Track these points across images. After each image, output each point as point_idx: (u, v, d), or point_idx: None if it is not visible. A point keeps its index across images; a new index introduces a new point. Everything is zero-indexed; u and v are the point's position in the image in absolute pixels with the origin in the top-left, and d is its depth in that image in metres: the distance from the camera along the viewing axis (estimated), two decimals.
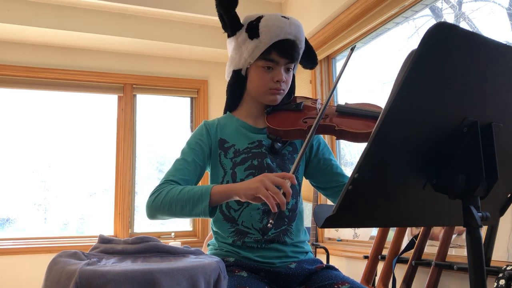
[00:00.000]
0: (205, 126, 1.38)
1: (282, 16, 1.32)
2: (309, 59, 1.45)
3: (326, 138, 3.01)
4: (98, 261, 0.84)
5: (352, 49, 1.32)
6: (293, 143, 1.39)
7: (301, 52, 1.37)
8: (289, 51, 1.31)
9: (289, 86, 1.39)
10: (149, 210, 1.23)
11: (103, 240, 0.94)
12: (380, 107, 1.32)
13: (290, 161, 1.36)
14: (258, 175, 1.09)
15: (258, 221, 1.28)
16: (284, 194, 1.02)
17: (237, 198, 1.11)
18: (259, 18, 1.33)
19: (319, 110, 1.33)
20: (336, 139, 1.29)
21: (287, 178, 1.05)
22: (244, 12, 1.39)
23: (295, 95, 1.48)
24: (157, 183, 1.28)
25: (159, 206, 1.20)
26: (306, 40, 1.40)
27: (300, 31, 1.34)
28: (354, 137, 1.24)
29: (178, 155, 1.34)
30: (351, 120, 1.27)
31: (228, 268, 1.22)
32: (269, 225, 0.99)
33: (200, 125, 1.40)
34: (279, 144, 1.34)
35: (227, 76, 1.44)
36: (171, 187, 1.22)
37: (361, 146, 2.58)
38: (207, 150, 1.34)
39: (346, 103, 1.35)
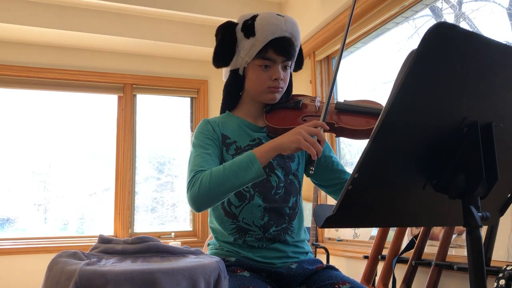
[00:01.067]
0: (209, 123, 1.37)
1: (278, 14, 1.32)
2: (298, 61, 1.44)
3: (326, 137, 3.01)
4: (98, 261, 0.84)
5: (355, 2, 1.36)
6: None
7: (297, 49, 1.37)
8: (285, 48, 1.30)
9: (287, 83, 1.38)
10: (198, 200, 1.17)
11: (103, 240, 0.94)
12: (379, 103, 1.32)
13: (290, 159, 1.36)
14: (294, 128, 1.16)
15: (259, 218, 1.28)
16: (319, 141, 1.12)
17: (283, 152, 1.16)
18: (254, 17, 1.33)
19: (319, 108, 1.34)
20: (336, 137, 1.30)
21: (319, 125, 1.15)
22: (244, 12, 1.39)
23: (293, 93, 1.47)
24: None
25: (208, 190, 1.15)
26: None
27: (295, 28, 1.34)
28: (354, 134, 1.24)
29: (178, 154, 1.33)
30: (350, 117, 1.27)
31: (230, 268, 1.22)
32: (310, 171, 1.12)
33: (202, 122, 1.38)
34: None
35: (224, 77, 1.43)
36: (208, 172, 1.18)
37: (361, 146, 2.58)
38: (218, 144, 1.33)
39: (345, 101, 1.35)
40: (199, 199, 1.17)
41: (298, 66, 1.47)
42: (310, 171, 1.11)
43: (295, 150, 1.13)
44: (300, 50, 1.44)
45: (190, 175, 1.21)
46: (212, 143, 1.31)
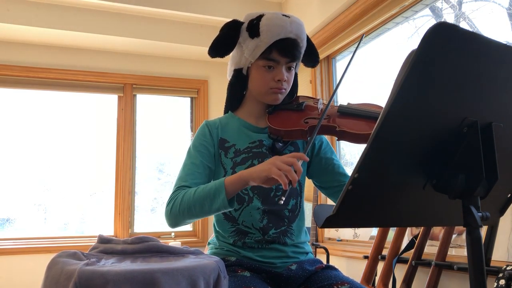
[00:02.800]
0: (207, 126, 1.37)
1: (283, 15, 1.32)
2: (311, 57, 1.43)
3: (327, 137, 3.01)
4: (97, 261, 0.84)
5: (362, 38, 1.34)
6: (295, 143, 1.38)
7: (302, 50, 1.36)
8: (290, 50, 1.29)
9: (290, 85, 1.37)
10: (169, 219, 1.24)
11: (102, 240, 0.94)
12: (382, 107, 1.31)
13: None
14: (270, 158, 1.11)
15: (258, 221, 1.28)
16: (295, 172, 1.05)
17: (252, 183, 1.12)
18: (259, 17, 1.32)
19: (321, 111, 1.33)
20: (337, 140, 1.29)
21: (297, 157, 1.08)
22: (244, 12, 1.39)
23: (297, 94, 1.47)
24: (157, 183, 1.28)
25: (178, 212, 1.21)
26: (308, 38, 1.39)
27: (301, 29, 1.33)
28: (355, 138, 1.23)
29: (178, 154, 1.34)
30: (352, 121, 1.26)
31: (230, 267, 1.22)
32: (280, 201, 1.03)
33: (201, 125, 1.39)
34: (280, 144, 1.33)
35: (228, 75, 1.43)
36: (184, 191, 1.23)
37: (362, 146, 2.58)
38: (212, 150, 1.34)
39: (348, 103, 1.34)
40: (170, 218, 1.25)
41: (312, 61, 1.45)
42: (280, 201, 1.03)
43: (265, 180, 1.08)
44: (313, 46, 1.43)
45: (173, 189, 1.28)
46: (206, 150, 1.33)
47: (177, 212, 1.21)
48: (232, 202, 1.17)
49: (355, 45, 1.33)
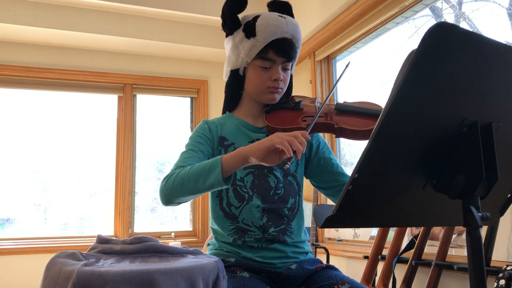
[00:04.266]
0: (207, 123, 1.38)
1: (279, 15, 1.33)
2: None
3: (325, 138, 3.01)
4: (96, 261, 0.84)
5: (347, 66, 1.35)
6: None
7: (298, 51, 1.37)
8: (286, 50, 1.31)
9: (287, 85, 1.39)
10: (162, 194, 1.20)
11: (101, 240, 0.94)
12: (378, 105, 1.32)
13: (288, 160, 1.36)
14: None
15: (258, 219, 1.28)
16: (299, 144, 1.02)
17: (252, 159, 1.08)
18: (256, 17, 1.33)
19: (318, 108, 1.34)
20: (336, 137, 1.30)
21: (300, 133, 1.05)
22: (244, 12, 1.39)
23: (293, 94, 1.48)
24: (157, 183, 1.28)
25: (171, 187, 1.17)
26: None
27: (297, 30, 1.34)
28: (354, 135, 1.24)
29: (178, 155, 1.33)
30: (350, 118, 1.27)
31: (230, 268, 1.22)
32: (286, 166, 1.02)
33: (200, 123, 1.40)
34: None
35: (225, 76, 1.44)
36: (181, 169, 1.19)
37: (361, 146, 2.58)
38: (211, 144, 1.34)
39: (344, 102, 1.35)
40: (163, 193, 1.20)
41: None
42: (286, 166, 1.01)
43: (266, 153, 1.06)
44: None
45: (170, 170, 1.23)
46: (204, 142, 1.32)
47: (170, 186, 1.17)
48: (228, 180, 1.13)
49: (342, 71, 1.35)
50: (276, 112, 1.37)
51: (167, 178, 1.20)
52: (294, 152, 1.01)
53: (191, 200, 3.70)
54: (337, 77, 3.10)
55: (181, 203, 1.23)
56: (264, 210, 1.29)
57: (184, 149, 1.32)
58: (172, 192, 1.18)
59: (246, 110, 1.42)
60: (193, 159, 1.25)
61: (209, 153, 1.32)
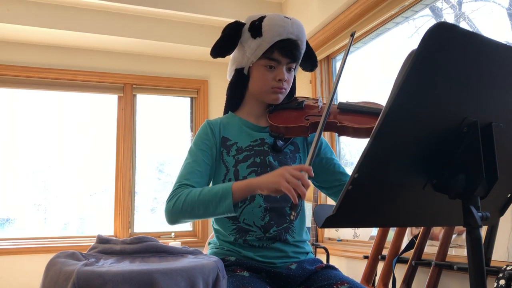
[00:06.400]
0: (209, 125, 1.39)
1: (285, 17, 1.34)
2: (309, 61, 1.46)
3: (326, 138, 3.01)
4: (96, 261, 0.84)
5: (352, 35, 1.36)
6: (294, 142, 1.40)
7: (302, 52, 1.38)
8: (291, 50, 1.32)
9: (290, 85, 1.40)
10: (170, 215, 1.24)
11: (101, 240, 0.94)
12: (381, 105, 1.32)
13: (291, 160, 1.36)
14: (278, 169, 1.12)
15: (260, 219, 1.28)
16: (303, 185, 1.05)
17: (259, 192, 1.14)
18: (261, 18, 1.34)
19: (321, 108, 1.35)
20: (338, 135, 1.31)
21: (304, 170, 1.07)
22: (244, 12, 1.40)
23: (296, 95, 1.49)
24: (157, 183, 1.28)
25: (180, 210, 1.21)
26: (306, 42, 1.41)
27: (302, 31, 1.36)
28: (356, 133, 1.25)
29: (179, 154, 1.34)
30: (352, 116, 1.28)
31: (229, 267, 1.22)
32: (292, 217, 1.08)
33: (203, 124, 1.40)
34: (281, 142, 1.35)
35: (229, 76, 1.45)
36: (188, 190, 1.23)
37: (361, 146, 2.58)
38: (214, 149, 1.35)
39: (347, 102, 1.36)
40: (171, 215, 1.24)
41: (311, 66, 1.48)
42: (292, 217, 1.07)
43: (274, 192, 1.10)
44: (311, 49, 1.46)
45: (174, 187, 1.28)
46: (207, 148, 1.34)
47: (179, 210, 1.21)
48: (236, 208, 1.18)
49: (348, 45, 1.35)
50: (279, 111, 1.38)
51: (174, 199, 1.23)
52: (299, 195, 1.04)
53: None
54: (339, 85, 3.10)
55: (185, 222, 1.29)
56: (267, 209, 1.29)
57: (187, 156, 1.34)
58: (180, 215, 1.23)
59: (249, 110, 1.42)
60: (195, 175, 1.29)
61: (212, 162, 1.34)
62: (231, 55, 1.42)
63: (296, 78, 1.47)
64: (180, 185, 1.26)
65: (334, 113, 1.31)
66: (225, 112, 1.47)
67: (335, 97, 1.39)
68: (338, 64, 3.18)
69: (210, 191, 1.20)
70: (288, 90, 1.39)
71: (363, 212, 0.74)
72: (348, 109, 1.32)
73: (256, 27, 1.33)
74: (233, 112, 1.45)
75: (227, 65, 1.46)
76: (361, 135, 1.25)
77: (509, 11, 1.96)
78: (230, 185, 1.17)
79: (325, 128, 1.31)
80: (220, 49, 1.38)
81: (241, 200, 1.18)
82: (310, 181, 1.07)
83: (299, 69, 1.48)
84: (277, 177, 1.08)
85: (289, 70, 1.36)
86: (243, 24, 1.38)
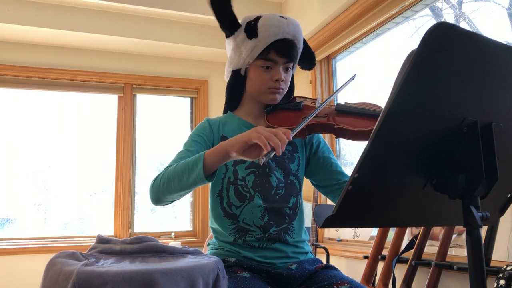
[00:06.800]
0: (208, 122, 1.39)
1: (281, 16, 1.33)
2: (308, 60, 1.46)
3: (325, 138, 3.01)
4: (96, 261, 0.84)
5: (353, 78, 1.37)
6: (293, 142, 1.40)
7: (299, 51, 1.38)
8: (287, 50, 1.31)
9: (288, 85, 1.39)
10: (151, 193, 1.21)
11: (101, 240, 0.94)
12: (379, 107, 1.32)
13: (290, 160, 1.36)
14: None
15: (259, 219, 1.28)
16: (279, 140, 0.98)
17: (232, 154, 1.06)
18: (257, 18, 1.34)
19: (314, 109, 1.34)
20: (336, 138, 1.30)
21: (282, 131, 1.01)
22: (244, 12, 1.40)
23: (294, 95, 1.48)
24: None
25: (159, 186, 1.18)
26: (304, 41, 1.41)
27: (298, 30, 1.35)
28: (354, 135, 1.24)
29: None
30: (350, 118, 1.27)
31: (230, 268, 1.22)
32: (261, 160, 0.96)
33: (202, 121, 1.40)
34: None
35: (226, 77, 1.45)
36: (172, 166, 1.20)
37: (361, 146, 2.58)
38: (210, 144, 1.34)
39: (345, 103, 1.36)
40: (151, 192, 1.21)
41: (309, 64, 1.47)
42: (261, 160, 0.95)
43: (245, 147, 1.03)
44: (309, 48, 1.45)
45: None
46: (202, 141, 1.33)
47: (158, 185, 1.19)
48: (211, 176, 1.13)
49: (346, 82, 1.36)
50: (277, 112, 1.37)
51: (155, 179, 1.21)
52: (273, 148, 0.98)
53: (191, 200, 3.70)
54: (339, 85, 3.10)
55: (170, 202, 1.23)
56: (266, 209, 1.29)
57: (181, 148, 1.33)
58: (159, 191, 1.19)
59: (247, 110, 1.42)
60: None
61: None
62: (228, 56, 1.42)
63: (296, 78, 1.47)
64: (167, 167, 1.23)
65: (331, 115, 1.30)
66: (225, 112, 1.47)
67: (335, 97, 1.38)
68: (338, 64, 3.18)
69: (184, 161, 1.15)
70: (285, 90, 1.38)
71: (363, 212, 0.74)
72: (346, 111, 1.31)
73: (251, 28, 1.32)
74: (232, 112, 1.45)
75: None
76: (359, 138, 1.24)
77: (509, 11, 1.96)
78: (202, 152, 1.13)
79: (323, 130, 1.31)
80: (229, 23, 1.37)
81: (215, 166, 1.11)
82: (286, 137, 1.00)
83: (299, 69, 1.47)
84: (248, 131, 1.04)
85: (286, 70, 1.35)
86: (239, 25, 1.37)
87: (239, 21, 1.38)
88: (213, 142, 1.35)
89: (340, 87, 1.34)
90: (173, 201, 1.23)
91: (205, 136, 1.34)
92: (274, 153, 0.98)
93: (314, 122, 1.27)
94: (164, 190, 1.18)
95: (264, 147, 0.97)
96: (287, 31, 1.31)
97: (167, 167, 1.23)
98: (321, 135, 1.47)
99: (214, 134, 1.36)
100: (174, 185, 1.16)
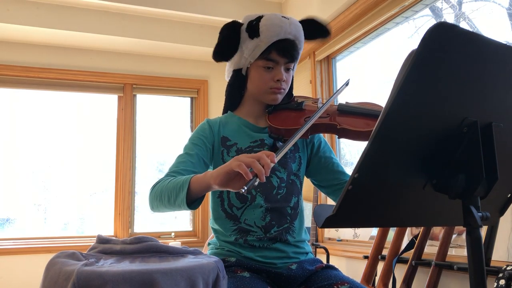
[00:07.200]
0: (208, 123, 1.38)
1: (282, 16, 1.33)
2: (319, 31, 1.40)
3: (326, 138, 3.01)
4: (96, 261, 0.84)
5: (347, 84, 1.36)
6: (295, 143, 1.39)
7: (300, 52, 1.37)
8: (289, 50, 1.31)
9: (289, 85, 1.39)
10: (148, 201, 1.23)
11: (101, 240, 0.94)
12: (381, 106, 1.32)
13: (291, 160, 1.36)
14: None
15: (261, 219, 1.28)
16: (262, 166, 0.94)
17: (213, 186, 1.02)
18: (259, 18, 1.33)
19: (315, 112, 1.34)
20: (338, 138, 1.30)
21: (266, 154, 0.96)
22: (244, 12, 1.39)
23: (295, 95, 1.48)
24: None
25: (153, 197, 1.20)
26: (311, 21, 1.38)
27: (300, 31, 1.34)
28: (356, 136, 1.24)
29: (179, 153, 1.33)
30: (352, 118, 1.27)
31: (230, 268, 1.22)
32: (242, 190, 0.91)
33: (202, 122, 1.40)
34: (281, 143, 1.34)
35: (227, 76, 1.44)
36: (169, 178, 1.19)
37: (361, 146, 2.58)
38: (210, 146, 1.34)
39: (347, 102, 1.35)
40: (149, 201, 1.23)
41: (322, 34, 1.41)
42: (242, 190, 0.91)
43: (225, 178, 0.99)
44: (318, 25, 1.40)
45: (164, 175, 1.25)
46: (202, 144, 1.32)
47: (153, 196, 1.20)
48: (194, 204, 1.11)
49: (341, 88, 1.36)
50: (279, 112, 1.37)
51: (153, 187, 1.22)
52: (256, 175, 0.93)
53: None
54: (339, 86, 3.09)
55: (165, 212, 1.23)
56: (267, 209, 1.29)
57: (182, 151, 1.33)
58: (153, 202, 1.21)
59: (248, 110, 1.41)
60: (186, 164, 1.26)
61: (206, 156, 1.32)
62: None
63: (296, 78, 1.46)
64: (167, 174, 1.23)
65: (333, 115, 1.30)
66: (224, 112, 1.47)
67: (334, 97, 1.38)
68: (338, 64, 3.18)
69: (175, 180, 1.13)
70: (287, 90, 1.38)
71: (363, 212, 0.74)
72: (348, 111, 1.30)
73: (253, 27, 1.31)
74: (233, 112, 1.44)
75: (226, 65, 1.45)
76: (361, 138, 1.24)
77: (509, 11, 1.96)
78: (192, 175, 1.11)
79: (325, 130, 1.31)
80: (224, 52, 1.36)
81: (200, 194, 1.09)
82: (270, 160, 0.95)
83: (299, 69, 1.47)
84: (229, 161, 0.99)
85: (287, 70, 1.35)
86: (240, 24, 1.36)
87: (240, 21, 1.38)
88: (213, 144, 1.34)
89: (335, 93, 1.34)
90: (167, 212, 1.23)
91: (204, 138, 1.34)
92: (257, 180, 0.93)
93: (316, 122, 1.27)
94: (157, 203, 1.20)
95: (245, 176, 0.93)
96: (288, 31, 1.30)
97: (167, 173, 1.24)
98: (322, 135, 1.47)
99: (214, 135, 1.35)
100: (164, 202, 1.17)
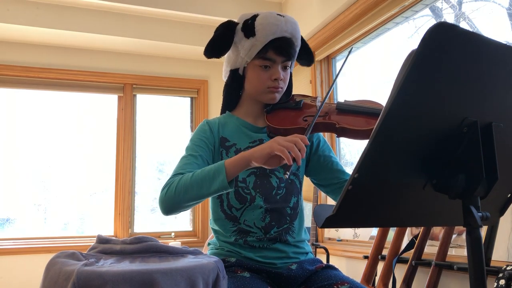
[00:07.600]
0: (208, 124, 1.37)
1: (278, 14, 1.32)
2: (306, 56, 1.44)
3: (326, 137, 3.01)
4: (96, 261, 0.84)
5: (350, 51, 1.35)
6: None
7: (297, 49, 1.36)
8: (285, 49, 1.30)
9: (287, 84, 1.38)
10: (163, 204, 1.20)
11: (101, 240, 0.94)
12: (379, 103, 1.32)
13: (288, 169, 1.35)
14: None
15: (261, 220, 1.28)
16: (299, 150, 1.04)
17: (254, 163, 1.11)
18: (254, 17, 1.32)
19: (318, 108, 1.33)
20: (337, 137, 1.30)
21: (300, 138, 1.07)
22: (244, 11, 1.39)
23: (293, 93, 1.47)
24: (158, 183, 1.27)
25: (173, 195, 1.17)
26: (302, 38, 1.40)
27: (296, 28, 1.33)
28: (355, 134, 1.24)
29: (178, 154, 1.33)
30: (351, 117, 1.27)
31: (230, 268, 1.22)
32: (285, 175, 1.02)
33: (201, 123, 1.39)
34: None
35: (224, 76, 1.44)
36: (180, 176, 1.20)
37: (361, 146, 2.58)
38: (211, 147, 1.33)
39: (345, 101, 1.35)
40: (165, 203, 1.20)
41: (308, 61, 1.46)
42: (285, 175, 1.03)
43: (267, 158, 1.08)
44: (307, 45, 1.43)
45: (169, 177, 1.24)
46: (205, 145, 1.32)
47: (172, 195, 1.17)
48: (232, 183, 1.15)
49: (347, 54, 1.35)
50: (277, 112, 1.36)
51: (167, 187, 1.20)
52: (294, 159, 1.03)
53: None
54: (339, 86, 3.10)
55: (182, 211, 1.22)
56: (267, 210, 1.29)
57: (184, 153, 1.32)
58: (174, 200, 1.18)
59: (246, 110, 1.41)
60: (192, 166, 1.25)
61: (209, 158, 1.32)
62: (226, 56, 1.41)
63: (296, 78, 1.46)
64: (175, 175, 1.23)
65: (332, 114, 1.29)
66: (222, 112, 1.46)
67: (334, 96, 1.38)
68: (338, 64, 3.18)
69: (202, 171, 1.17)
70: (284, 89, 1.37)
71: (363, 212, 0.74)
72: (347, 109, 1.30)
73: (249, 27, 1.30)
74: (230, 112, 1.44)
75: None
76: (360, 136, 1.24)
77: (509, 11, 1.96)
78: (222, 161, 1.15)
79: (324, 129, 1.30)
80: (214, 49, 1.36)
81: (236, 174, 1.14)
82: (304, 143, 1.06)
83: (299, 69, 1.47)
84: (270, 143, 1.08)
85: (284, 68, 1.34)
86: (236, 24, 1.35)
87: (236, 20, 1.37)
88: (214, 145, 1.34)
89: (342, 67, 1.33)
90: (186, 209, 1.23)
91: (206, 139, 1.33)
92: (295, 164, 1.03)
93: (316, 121, 1.26)
94: (179, 199, 1.17)
95: (288, 161, 1.03)
96: (285, 29, 1.29)
97: (174, 175, 1.23)
98: (321, 133, 1.46)
99: (214, 136, 1.35)
100: (193, 193, 1.16)
